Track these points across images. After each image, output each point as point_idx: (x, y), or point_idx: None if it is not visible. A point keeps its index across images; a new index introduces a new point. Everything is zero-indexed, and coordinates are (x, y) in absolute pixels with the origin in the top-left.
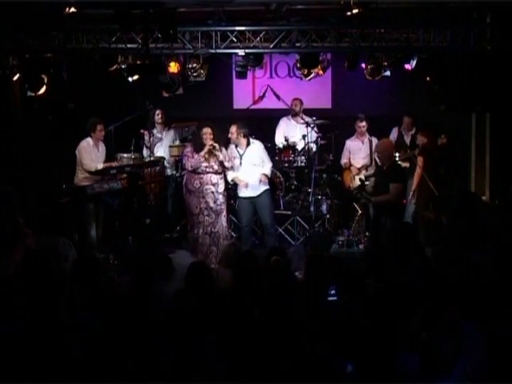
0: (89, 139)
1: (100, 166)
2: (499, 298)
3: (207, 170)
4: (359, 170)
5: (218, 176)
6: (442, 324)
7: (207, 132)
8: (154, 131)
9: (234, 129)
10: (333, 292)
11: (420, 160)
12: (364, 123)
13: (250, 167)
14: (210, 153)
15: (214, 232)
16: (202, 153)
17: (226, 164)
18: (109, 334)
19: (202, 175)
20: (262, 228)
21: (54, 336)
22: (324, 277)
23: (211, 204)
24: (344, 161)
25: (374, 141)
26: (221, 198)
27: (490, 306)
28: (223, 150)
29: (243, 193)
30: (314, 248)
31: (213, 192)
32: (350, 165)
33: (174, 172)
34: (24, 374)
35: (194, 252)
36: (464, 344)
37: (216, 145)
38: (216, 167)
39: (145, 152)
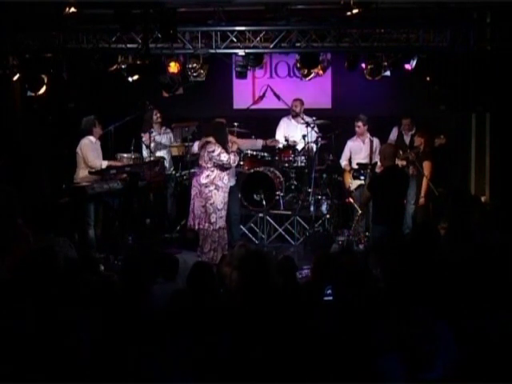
0: (91, 137)
1: (104, 163)
2: (476, 296)
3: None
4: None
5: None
6: (418, 322)
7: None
8: (153, 132)
9: None
10: (329, 292)
11: (427, 165)
12: (360, 123)
13: None
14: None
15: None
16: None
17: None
18: (108, 333)
19: (228, 170)
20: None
21: (54, 336)
22: (331, 277)
23: None
24: (344, 162)
25: (375, 141)
26: None
27: (464, 305)
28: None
29: (231, 182)
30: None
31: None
32: (351, 168)
33: (174, 172)
34: (24, 374)
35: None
36: (439, 343)
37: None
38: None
39: (144, 152)
